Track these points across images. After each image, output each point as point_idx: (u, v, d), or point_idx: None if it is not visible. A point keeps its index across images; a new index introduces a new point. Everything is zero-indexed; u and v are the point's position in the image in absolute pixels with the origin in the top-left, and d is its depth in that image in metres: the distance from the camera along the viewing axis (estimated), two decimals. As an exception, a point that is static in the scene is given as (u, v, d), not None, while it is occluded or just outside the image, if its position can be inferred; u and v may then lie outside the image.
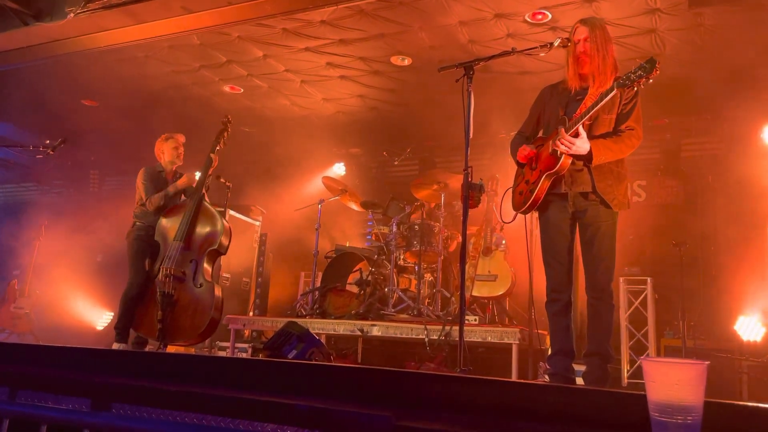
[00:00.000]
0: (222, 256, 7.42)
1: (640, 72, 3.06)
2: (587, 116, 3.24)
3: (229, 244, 4.94)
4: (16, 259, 8.86)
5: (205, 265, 4.72)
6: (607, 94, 3.20)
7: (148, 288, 4.86)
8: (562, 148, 3.25)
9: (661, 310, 6.02)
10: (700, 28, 5.55)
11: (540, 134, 3.73)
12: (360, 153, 9.51)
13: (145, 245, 5.07)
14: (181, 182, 5.20)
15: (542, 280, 3.70)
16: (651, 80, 3.05)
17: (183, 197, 5.27)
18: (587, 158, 3.28)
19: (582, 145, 3.23)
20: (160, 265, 4.65)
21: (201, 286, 4.59)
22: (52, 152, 5.00)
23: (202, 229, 4.79)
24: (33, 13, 5.89)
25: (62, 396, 2.04)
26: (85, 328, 8.48)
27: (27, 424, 1.78)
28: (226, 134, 5.33)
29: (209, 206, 4.91)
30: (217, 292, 4.65)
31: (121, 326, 4.89)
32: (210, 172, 5.13)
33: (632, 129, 3.33)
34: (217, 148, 5.24)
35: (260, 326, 6.52)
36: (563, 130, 3.27)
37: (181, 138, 5.51)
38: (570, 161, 3.34)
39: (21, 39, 6.18)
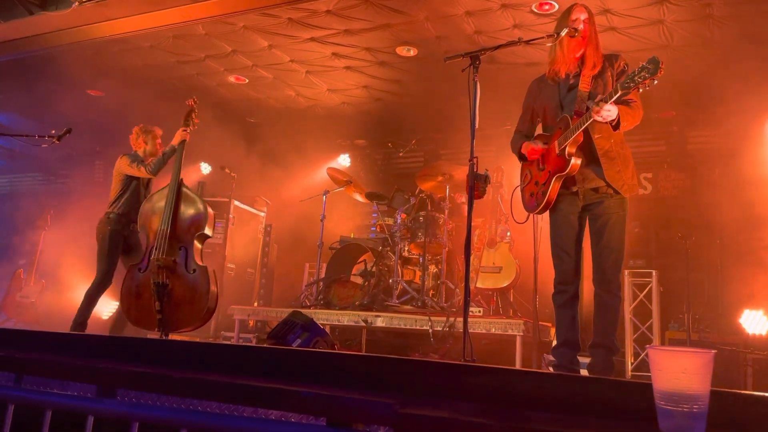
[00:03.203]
0: (227, 247, 7.46)
1: (643, 74, 2.94)
2: (618, 94, 3.12)
3: (213, 228, 4.90)
4: (21, 249, 8.90)
5: (195, 250, 4.66)
6: (629, 75, 3.06)
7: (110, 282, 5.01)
8: (605, 115, 3.14)
9: (666, 302, 6.00)
10: (708, 19, 5.50)
11: (540, 130, 3.70)
12: (365, 144, 9.50)
13: (121, 237, 5.14)
14: (177, 139, 5.13)
15: (547, 272, 3.69)
16: (656, 81, 2.96)
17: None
18: (615, 123, 3.21)
19: (613, 109, 3.17)
20: (150, 257, 4.58)
21: (194, 271, 4.51)
22: (57, 142, 4.99)
23: (187, 214, 4.70)
24: (38, 2, 5.90)
25: (68, 382, 2.05)
26: (91, 317, 8.51)
27: (32, 409, 1.78)
28: (193, 114, 5.22)
29: (189, 191, 4.86)
30: (211, 273, 4.58)
31: (84, 320, 4.97)
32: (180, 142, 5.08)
33: (635, 101, 3.31)
34: (188, 128, 5.14)
35: (264, 316, 6.53)
36: (601, 102, 3.12)
37: (159, 131, 5.51)
38: (580, 162, 3.31)
39: (26, 28, 6.18)
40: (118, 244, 5.15)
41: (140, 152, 5.40)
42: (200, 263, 4.61)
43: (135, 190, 5.29)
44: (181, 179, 4.89)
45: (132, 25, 5.97)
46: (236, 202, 7.94)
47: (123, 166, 5.27)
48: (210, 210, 4.80)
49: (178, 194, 4.72)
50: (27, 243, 8.85)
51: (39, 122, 8.61)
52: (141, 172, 5.19)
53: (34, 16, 5.95)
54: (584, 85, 3.39)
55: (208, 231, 4.74)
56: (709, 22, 5.54)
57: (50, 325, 8.08)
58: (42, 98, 8.07)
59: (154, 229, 4.65)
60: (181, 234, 4.64)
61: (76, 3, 5.64)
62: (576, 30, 3.36)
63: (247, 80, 7.68)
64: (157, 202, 4.78)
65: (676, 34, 5.78)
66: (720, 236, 6.65)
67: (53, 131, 5.06)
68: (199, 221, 4.70)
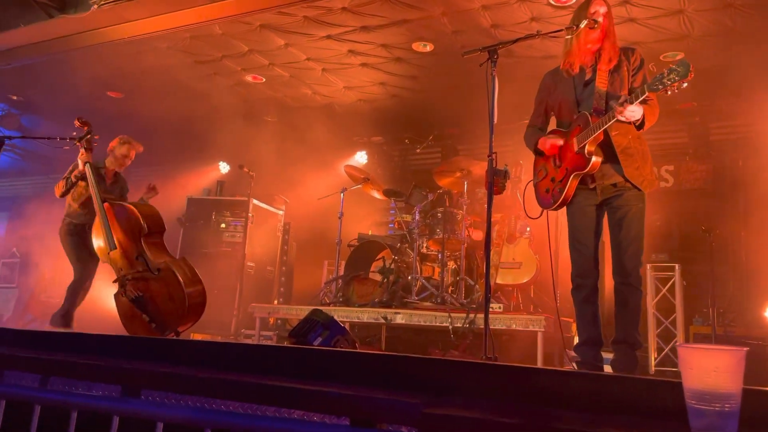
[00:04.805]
0: (247, 246, 7.49)
1: (673, 76, 2.90)
2: (644, 95, 3.08)
3: (161, 220, 4.88)
4: (46, 249, 9.02)
5: (150, 251, 4.66)
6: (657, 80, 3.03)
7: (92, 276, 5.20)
8: (629, 115, 3.13)
9: (690, 296, 5.91)
10: (729, 8, 5.40)
11: (554, 124, 3.66)
12: (382, 141, 9.48)
13: (78, 238, 5.21)
14: (81, 164, 5.05)
15: (568, 268, 3.65)
16: (685, 84, 2.92)
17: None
18: (639, 123, 3.19)
19: (638, 110, 3.14)
20: (117, 280, 4.67)
21: (159, 271, 4.55)
22: (78, 144, 5.05)
23: (123, 225, 4.73)
24: (57, 5, 5.96)
25: (93, 383, 2.07)
26: (114, 315, 8.61)
27: (58, 410, 1.80)
28: (90, 136, 5.10)
29: (113, 201, 4.86)
30: (176, 267, 4.57)
31: (66, 312, 5.18)
32: (83, 165, 5.00)
33: (652, 99, 3.25)
34: (90, 150, 5.06)
35: (285, 314, 6.56)
36: (626, 103, 3.09)
37: (139, 148, 5.49)
38: (600, 160, 3.27)
39: (46, 31, 6.26)
40: (78, 244, 5.23)
41: (108, 161, 5.33)
42: (161, 260, 4.63)
43: (85, 198, 5.20)
44: (104, 197, 4.88)
45: (149, 26, 6.01)
46: (255, 201, 7.98)
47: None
48: (140, 207, 4.81)
49: (107, 211, 4.74)
50: (51, 243, 8.96)
51: (60, 124, 8.71)
52: (56, 188, 5.20)
53: (53, 19, 6.02)
54: (602, 82, 3.34)
55: (153, 227, 4.75)
56: (731, 11, 5.44)
57: (74, 324, 8.19)
58: (63, 101, 8.16)
59: (110, 256, 4.72)
60: (130, 244, 4.68)
61: (95, 6, 5.69)
62: (596, 22, 3.31)
63: (264, 79, 7.70)
64: (96, 233, 4.83)
65: (696, 24, 5.69)
66: (744, 228, 6.55)
67: (74, 133, 5.13)
68: (136, 224, 4.70)
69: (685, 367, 1.24)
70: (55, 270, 8.73)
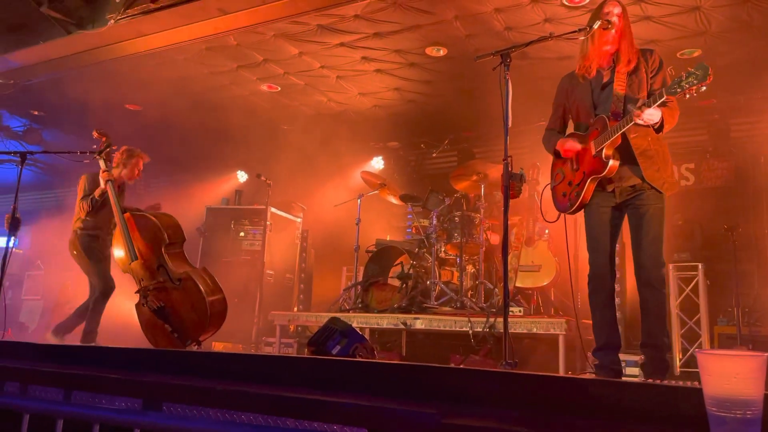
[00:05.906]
0: (266, 254, 7.54)
1: (691, 79, 2.86)
2: (662, 98, 3.05)
3: (181, 230, 4.89)
4: (68, 261, 9.13)
5: (172, 262, 4.68)
6: (677, 83, 2.99)
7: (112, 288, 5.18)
8: (647, 119, 3.09)
9: (714, 296, 5.82)
10: (747, 3, 5.33)
11: (571, 128, 3.63)
12: (398, 146, 9.49)
13: (96, 249, 5.21)
14: (102, 183, 5.09)
15: (587, 270, 3.62)
16: (704, 88, 2.88)
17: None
18: (658, 126, 3.16)
19: (656, 113, 3.11)
20: (138, 290, 4.68)
21: (180, 281, 4.57)
22: (98, 157, 5.13)
23: (144, 235, 4.75)
24: (75, 21, 6.06)
25: (114, 396, 2.09)
26: (135, 325, 8.70)
27: (80, 424, 1.83)
28: (108, 149, 5.13)
29: (135, 213, 4.88)
30: (197, 277, 4.59)
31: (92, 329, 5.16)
32: (105, 183, 5.03)
33: (671, 100, 3.21)
34: (108, 169, 5.10)
35: (305, 321, 6.58)
36: (644, 107, 3.07)
37: (145, 158, 5.49)
38: (618, 164, 3.24)
39: (65, 47, 6.37)
40: (96, 254, 5.24)
41: (116, 172, 5.31)
42: (182, 270, 4.65)
43: (99, 207, 5.22)
44: (125, 208, 4.92)
45: (166, 39, 6.09)
46: (273, 209, 8.03)
47: (79, 190, 5.27)
48: (161, 218, 4.81)
49: (127, 222, 4.76)
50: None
51: (80, 138, 8.84)
52: (80, 209, 5.21)
53: (72, 35, 6.12)
54: (620, 85, 3.31)
55: (174, 238, 4.76)
56: (748, 6, 5.37)
57: (98, 335, 8.28)
58: (82, 115, 8.28)
59: (131, 267, 4.74)
60: (152, 255, 4.70)
61: (111, 21, 5.78)
62: (609, 22, 3.29)
63: (279, 88, 7.75)
64: (117, 244, 4.86)
65: (713, 20, 5.61)
66: (768, 225, 6.44)
67: (94, 147, 5.20)
68: (158, 235, 4.72)
69: (704, 373, 1.22)
70: (78, 282, 8.83)
